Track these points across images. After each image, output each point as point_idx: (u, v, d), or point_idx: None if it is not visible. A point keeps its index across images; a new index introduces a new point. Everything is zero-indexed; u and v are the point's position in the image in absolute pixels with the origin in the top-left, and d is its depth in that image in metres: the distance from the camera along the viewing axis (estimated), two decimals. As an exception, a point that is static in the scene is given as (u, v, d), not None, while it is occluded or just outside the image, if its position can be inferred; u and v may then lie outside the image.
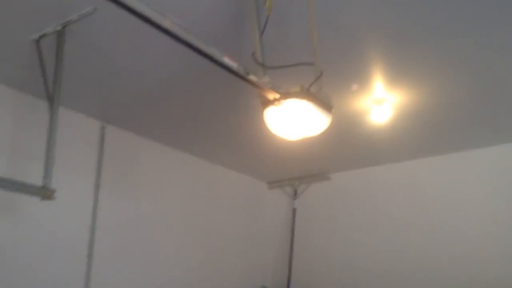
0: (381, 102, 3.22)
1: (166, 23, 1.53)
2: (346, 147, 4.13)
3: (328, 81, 2.24)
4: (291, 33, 2.42)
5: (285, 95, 1.92)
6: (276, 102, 1.94)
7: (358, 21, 2.34)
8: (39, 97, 2.98)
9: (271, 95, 1.93)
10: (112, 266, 3.49)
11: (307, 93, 1.92)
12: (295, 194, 5.10)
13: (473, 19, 2.27)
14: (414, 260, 4.21)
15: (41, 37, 2.49)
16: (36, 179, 2.45)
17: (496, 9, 2.17)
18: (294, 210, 5.06)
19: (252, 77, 1.78)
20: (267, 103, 2.00)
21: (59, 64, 2.51)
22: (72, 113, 3.33)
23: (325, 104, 2.02)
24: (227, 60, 1.68)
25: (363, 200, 4.65)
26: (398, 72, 2.85)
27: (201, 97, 3.22)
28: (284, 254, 5.03)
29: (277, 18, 2.23)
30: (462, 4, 2.15)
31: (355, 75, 2.88)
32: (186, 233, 4.21)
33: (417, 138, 3.88)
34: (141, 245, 3.75)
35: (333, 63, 2.69)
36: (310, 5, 2.10)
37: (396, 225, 4.38)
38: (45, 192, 2.36)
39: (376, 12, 2.26)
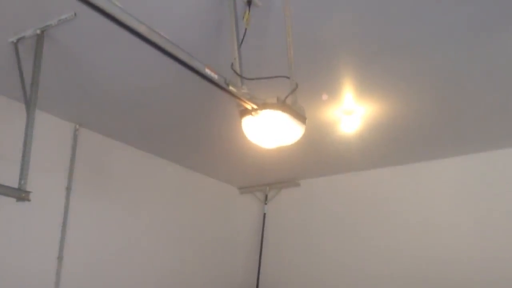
0: (350, 113, 3.36)
1: (142, 29, 1.58)
2: (316, 155, 4.26)
3: (301, 92, 2.34)
4: (268, 46, 2.52)
5: (262, 105, 2.01)
6: (253, 112, 2.03)
7: (331, 37, 2.46)
8: (14, 98, 2.97)
9: (249, 105, 2.02)
10: (82, 269, 3.49)
11: (283, 105, 2.02)
12: (265, 200, 5.19)
13: (438, 35, 2.42)
14: (376, 264, 4.37)
15: (19, 40, 2.51)
16: (7, 180, 2.45)
17: (461, 24, 2.32)
18: (264, 215, 5.16)
19: (231, 88, 1.86)
20: (245, 112, 2.08)
21: (36, 67, 2.52)
22: (46, 115, 3.33)
23: (300, 116, 2.12)
24: (208, 72, 1.76)
25: (331, 206, 4.79)
26: (367, 85, 2.99)
27: (176, 103, 3.27)
28: (254, 258, 5.11)
29: (256, 31, 2.33)
30: (426, 21, 2.29)
31: (326, 87, 3.01)
32: (158, 236, 4.24)
33: (384, 147, 4.05)
34: (112, 247, 3.76)
35: (307, 76, 2.81)
36: (286, 20, 2.20)
37: (361, 231, 4.54)
38: (20, 194, 2.36)
39: (347, 29, 2.39)
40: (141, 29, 1.58)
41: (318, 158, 4.36)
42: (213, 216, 5.01)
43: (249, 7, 2.21)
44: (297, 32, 2.33)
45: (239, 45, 2.18)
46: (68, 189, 3.45)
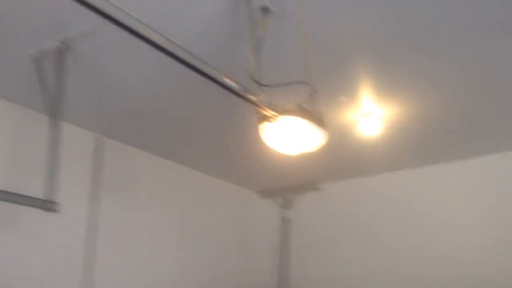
0: (369, 115, 3.34)
1: (161, 40, 1.60)
2: (336, 158, 4.24)
3: (320, 95, 2.34)
4: (285, 52, 2.53)
5: (281, 112, 2.02)
6: (272, 119, 2.03)
7: (347, 40, 2.46)
8: (34, 109, 3.03)
9: (268, 112, 2.02)
10: (110, 277, 3.55)
11: (302, 111, 2.02)
12: (285, 204, 5.18)
13: (457, 37, 2.40)
14: (405, 268, 4.31)
15: (41, 53, 2.56)
16: (34, 191, 2.50)
17: (479, 28, 2.30)
18: (284, 220, 5.15)
19: (250, 96, 1.87)
20: (263, 119, 2.09)
21: (59, 79, 2.57)
22: (69, 126, 3.39)
23: (319, 121, 2.11)
24: (226, 80, 1.77)
25: (353, 210, 4.76)
26: (386, 87, 2.97)
27: (195, 110, 3.31)
28: (274, 264, 5.10)
29: (272, 38, 2.34)
30: (445, 23, 2.27)
31: (344, 90, 3.00)
32: (180, 243, 4.27)
33: (405, 149, 4.01)
34: (137, 255, 3.82)
35: (324, 79, 2.81)
36: (302, 26, 2.21)
37: (383, 234, 4.50)
38: (48, 205, 2.42)
39: (364, 31, 2.39)
40: (160, 40, 1.60)
41: (338, 161, 4.34)
42: (233, 221, 5.03)
43: (265, 13, 2.22)
44: (313, 37, 2.33)
45: (257, 52, 2.19)
46: (94, 198, 3.51)
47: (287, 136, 2.09)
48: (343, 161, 4.33)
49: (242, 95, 1.85)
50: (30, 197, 2.45)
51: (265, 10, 2.21)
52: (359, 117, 3.38)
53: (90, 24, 2.28)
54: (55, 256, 3.21)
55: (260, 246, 5.30)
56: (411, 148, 3.99)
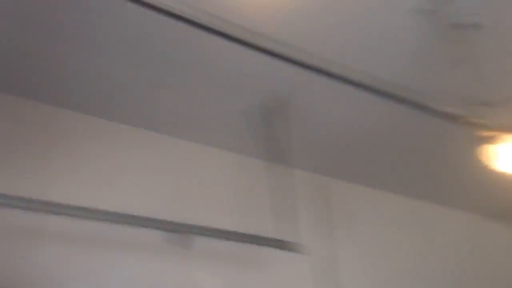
0: None
1: (366, 80, 1.69)
2: None
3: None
4: (502, 66, 2.37)
5: (507, 130, 1.90)
6: (498, 139, 1.93)
7: None
8: (261, 158, 3.33)
9: (492, 133, 1.93)
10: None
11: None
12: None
13: None
14: None
15: (262, 107, 2.86)
16: (269, 233, 2.77)
17: None
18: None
19: (473, 120, 1.83)
20: (488, 141, 2.00)
21: (282, 130, 2.87)
22: (295, 171, 3.54)
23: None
24: (446, 109, 1.77)
25: None
26: None
27: (411, 139, 3.28)
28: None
29: (486, 53, 2.23)
30: None
31: None
32: (414, 276, 4.12)
33: None
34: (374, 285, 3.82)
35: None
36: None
37: None
38: (300, 248, 2.69)
39: None
40: (369, 81, 1.71)
41: None
42: (468, 250, 4.62)
43: (476, 29, 2.14)
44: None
45: (472, 70, 2.13)
46: (327, 237, 3.65)
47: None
48: None
49: (464, 121, 1.82)
50: (281, 241, 2.71)
51: (476, 26, 2.14)
52: None
53: (305, 77, 2.45)
54: None
55: (504, 278, 4.74)
56: None
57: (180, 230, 2.60)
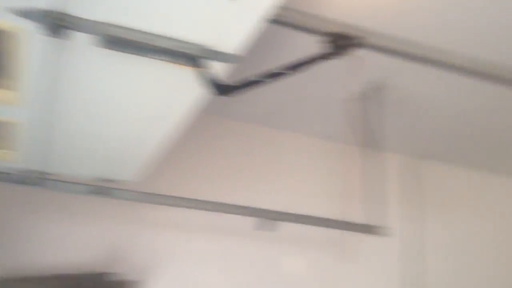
0: None
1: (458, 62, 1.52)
2: None
3: None
4: None
5: None
6: None
7: None
8: (355, 145, 3.26)
9: None
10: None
11: None
12: None
13: None
14: None
15: (349, 94, 2.82)
16: (358, 218, 2.68)
17: None
18: None
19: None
20: None
21: (377, 114, 2.85)
22: (388, 155, 3.50)
23: None
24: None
25: None
26: None
27: (502, 117, 3.07)
28: None
29: None
30: None
31: None
32: (501, 251, 3.80)
33: None
34: (465, 266, 3.61)
35: None
36: None
37: None
38: (387, 232, 2.58)
39: None
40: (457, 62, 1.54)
41: None
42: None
43: None
44: None
45: None
46: (418, 219, 3.49)
47: None
48: None
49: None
50: (366, 225, 2.63)
51: None
52: None
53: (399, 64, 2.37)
54: (392, 277, 3.31)
55: None
56: None
57: (268, 216, 2.65)
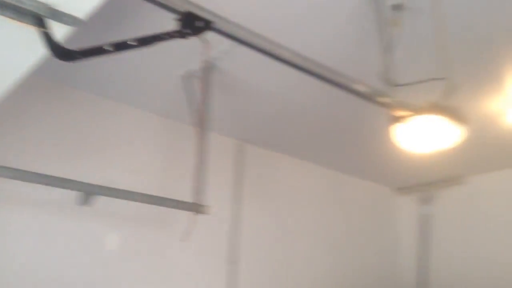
0: (518, 103, 3.06)
1: (285, 55, 1.68)
2: (481, 150, 3.94)
3: (460, 88, 2.21)
4: (418, 49, 2.44)
5: (417, 111, 1.98)
6: (406, 119, 2.00)
7: (490, 23, 2.29)
8: (186, 123, 3.35)
9: (401, 113, 2.00)
10: (255, 271, 3.79)
11: (438, 108, 1.95)
12: (426, 200, 4.96)
13: None
14: None
15: (188, 72, 2.84)
16: (184, 196, 2.78)
17: None
18: (424, 217, 4.93)
19: (381, 99, 1.87)
20: (396, 120, 2.07)
21: (205, 94, 2.82)
22: (214, 135, 3.57)
23: (458, 117, 2.02)
24: (356, 86, 1.80)
25: (501, 204, 4.36)
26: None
27: (330, 112, 3.36)
28: (414, 263, 4.91)
29: (406, 35, 2.28)
30: None
31: (487, 80, 2.80)
32: (317, 241, 4.36)
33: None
34: (276, 252, 4.01)
35: (465, 71, 2.65)
36: (438, 21, 2.12)
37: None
38: (200, 208, 2.68)
39: (508, 12, 2.20)
40: (287, 55, 1.69)
41: (483, 153, 4.03)
42: (370, 219, 4.96)
43: (397, 11, 2.18)
44: (450, 30, 2.22)
45: (388, 52, 2.17)
46: (237, 200, 3.76)
47: (422, 135, 2.04)
48: (489, 152, 4.01)
49: (373, 99, 1.86)
50: (184, 202, 2.74)
51: (397, 7, 2.17)
52: (507, 106, 3.11)
53: (229, 44, 2.45)
54: (203, 252, 3.50)
55: (398, 244, 5.14)
56: None
57: (91, 191, 2.59)
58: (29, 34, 1.22)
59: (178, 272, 3.35)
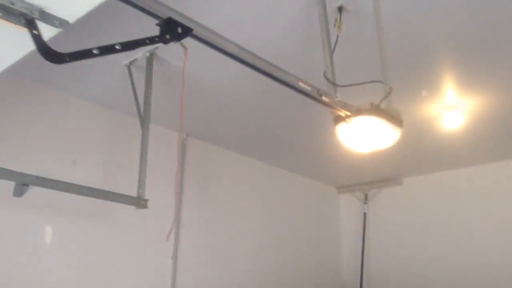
0: (452, 108, 3.23)
1: (233, 49, 1.69)
2: (418, 152, 4.14)
3: (399, 91, 2.31)
4: (362, 51, 2.53)
5: (356, 112, 2.04)
6: (347, 119, 2.07)
7: (427, 36, 2.41)
8: (130, 114, 3.27)
9: (343, 113, 2.06)
10: (195, 267, 3.77)
11: (376, 110, 2.03)
12: (365, 199, 5.14)
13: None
14: (489, 265, 4.12)
15: (132, 62, 2.79)
16: (125, 189, 2.73)
17: None
18: (365, 215, 5.11)
19: (324, 98, 1.92)
20: (339, 119, 2.13)
21: (148, 86, 2.79)
22: (157, 128, 3.57)
23: (395, 119, 2.11)
24: (301, 85, 1.84)
25: (436, 204, 4.61)
26: (469, 79, 2.87)
27: (276, 110, 3.40)
28: (355, 258, 5.09)
29: (348, 37, 2.36)
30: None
31: (425, 84, 2.93)
32: (259, 237, 4.41)
33: (490, 142, 3.83)
34: (220, 247, 4.01)
35: (403, 75, 2.77)
36: (378, 24, 2.20)
37: (469, 230, 4.31)
38: (140, 202, 2.64)
39: (444, 25, 2.32)
40: (233, 49, 1.70)
41: (421, 155, 4.24)
42: (312, 216, 5.08)
43: (340, 13, 2.25)
44: (390, 37, 2.31)
45: (331, 53, 2.23)
46: (179, 194, 3.72)
47: (362, 135, 2.11)
48: (426, 155, 4.21)
49: (316, 98, 1.90)
50: (123, 195, 2.68)
51: (340, 9, 2.24)
52: (442, 111, 3.28)
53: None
54: (146, 246, 3.45)
55: (339, 241, 5.31)
56: (498, 140, 3.80)
57: (24, 181, 2.44)
58: (13, 33, 1.24)
59: (117, 267, 3.28)
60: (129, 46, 1.50)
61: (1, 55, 1.40)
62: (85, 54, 1.40)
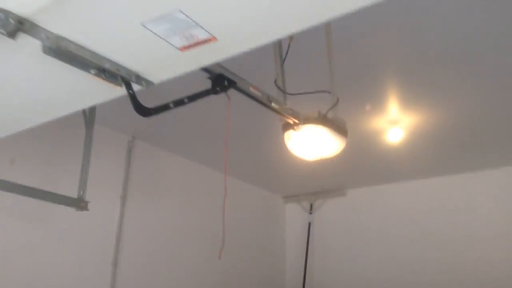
0: (395, 123, 3.37)
1: None
2: (362, 164, 4.26)
3: (346, 103, 2.38)
4: (311, 62, 2.59)
5: (304, 120, 2.09)
6: (295, 127, 2.11)
7: (373, 50, 2.50)
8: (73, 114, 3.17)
9: (291, 120, 2.10)
10: (136, 274, 3.67)
11: (323, 120, 2.08)
12: (310, 209, 5.23)
13: (483, 44, 2.41)
14: (428, 275, 4.29)
15: None
16: (68, 190, 2.65)
17: (504, 34, 2.31)
18: (309, 225, 5.19)
19: (274, 105, 1.94)
20: (287, 127, 2.16)
21: None
22: (102, 129, 3.46)
23: (340, 129, 2.17)
24: (252, 90, 1.85)
25: (377, 216, 4.76)
26: (412, 95, 3.00)
27: (221, 114, 3.36)
28: (299, 267, 5.15)
29: (298, 47, 2.40)
30: (471, 30, 2.29)
31: (371, 98, 3.04)
32: (205, 243, 4.36)
33: (430, 157, 4.00)
34: (164, 254, 3.93)
35: (351, 88, 2.85)
36: (328, 36, 2.27)
37: (406, 241, 4.48)
38: (80, 204, 2.55)
39: (389, 41, 2.43)
40: None
41: (364, 168, 4.37)
42: (258, 224, 5.10)
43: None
44: (339, 45, 2.38)
45: (282, 61, 2.27)
46: (123, 198, 3.64)
47: (308, 143, 2.16)
48: (370, 167, 4.35)
49: (266, 104, 1.93)
50: (62, 196, 2.59)
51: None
52: (385, 125, 3.41)
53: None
54: (85, 251, 3.34)
55: (284, 250, 5.36)
56: (438, 156, 3.98)
57: None
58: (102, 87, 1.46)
59: (53, 272, 3.14)
60: (193, 98, 1.82)
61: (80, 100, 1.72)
62: (164, 108, 1.71)
